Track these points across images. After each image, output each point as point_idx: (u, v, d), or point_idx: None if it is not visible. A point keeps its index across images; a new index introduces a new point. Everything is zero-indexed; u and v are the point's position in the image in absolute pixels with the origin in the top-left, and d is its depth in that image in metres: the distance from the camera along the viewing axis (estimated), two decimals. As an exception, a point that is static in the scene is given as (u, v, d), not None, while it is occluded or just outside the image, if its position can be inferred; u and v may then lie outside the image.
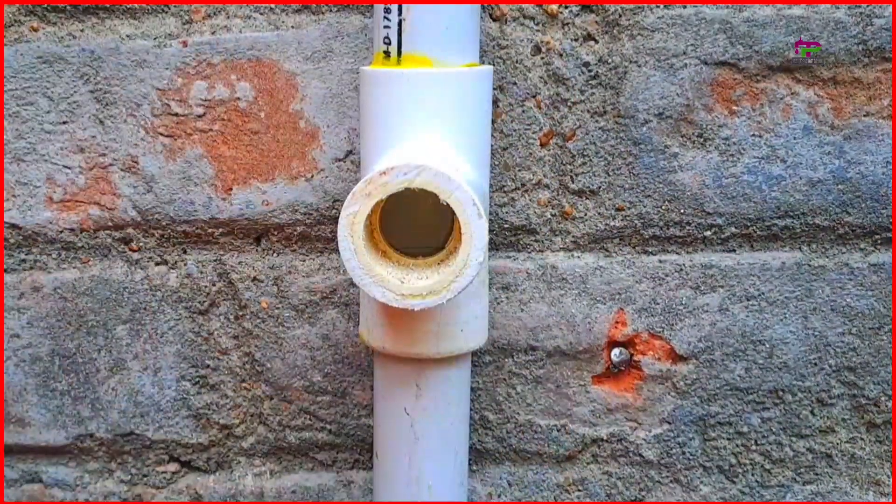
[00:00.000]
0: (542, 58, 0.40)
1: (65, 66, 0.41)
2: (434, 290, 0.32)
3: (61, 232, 0.43)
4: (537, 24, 0.40)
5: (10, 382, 0.45)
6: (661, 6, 0.39)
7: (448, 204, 0.32)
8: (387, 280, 0.32)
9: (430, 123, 0.34)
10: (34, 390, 0.45)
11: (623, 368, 0.44)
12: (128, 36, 0.41)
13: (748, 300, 0.43)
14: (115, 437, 0.46)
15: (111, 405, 0.45)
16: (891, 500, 0.45)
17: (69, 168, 0.42)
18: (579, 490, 0.45)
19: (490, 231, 0.42)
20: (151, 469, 0.47)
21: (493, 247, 0.43)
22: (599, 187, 0.42)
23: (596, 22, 0.40)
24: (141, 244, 0.43)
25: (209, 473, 0.47)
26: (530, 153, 0.41)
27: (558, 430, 0.45)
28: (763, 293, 0.43)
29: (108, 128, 0.42)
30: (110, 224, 0.43)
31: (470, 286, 0.32)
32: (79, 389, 0.45)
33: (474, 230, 0.32)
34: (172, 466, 0.47)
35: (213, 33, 0.41)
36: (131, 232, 0.43)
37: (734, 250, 0.42)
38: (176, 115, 0.41)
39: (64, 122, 0.42)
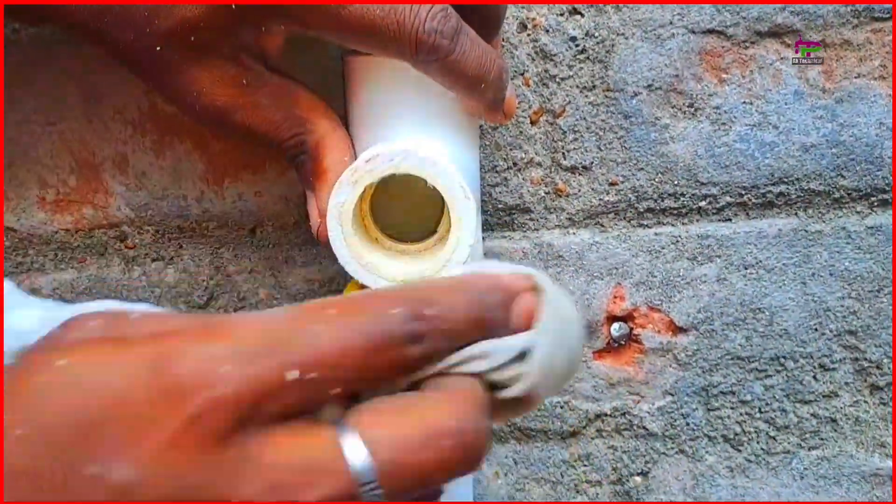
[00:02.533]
0: (529, 34, 0.40)
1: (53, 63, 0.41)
2: (425, 274, 0.32)
3: (56, 233, 0.43)
4: (521, 1, 0.39)
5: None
6: (646, -24, 0.39)
7: (436, 187, 0.32)
8: (378, 267, 0.32)
9: (415, 107, 0.34)
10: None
11: (623, 343, 0.44)
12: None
13: (746, 269, 0.42)
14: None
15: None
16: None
17: (60, 168, 0.42)
18: (585, 465, 0.46)
19: (484, 212, 0.42)
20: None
21: (488, 228, 0.42)
22: (592, 162, 0.41)
23: (580, -5, 0.39)
24: (136, 241, 0.43)
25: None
26: (521, 132, 0.41)
27: (561, 407, 0.45)
28: (760, 261, 0.42)
29: (96, 126, 0.41)
30: (104, 223, 0.43)
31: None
32: (84, 388, 0.45)
33: (463, 213, 0.32)
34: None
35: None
36: (126, 230, 0.43)
37: (730, 219, 0.42)
38: (164, 111, 0.41)
39: (52, 123, 0.42)
